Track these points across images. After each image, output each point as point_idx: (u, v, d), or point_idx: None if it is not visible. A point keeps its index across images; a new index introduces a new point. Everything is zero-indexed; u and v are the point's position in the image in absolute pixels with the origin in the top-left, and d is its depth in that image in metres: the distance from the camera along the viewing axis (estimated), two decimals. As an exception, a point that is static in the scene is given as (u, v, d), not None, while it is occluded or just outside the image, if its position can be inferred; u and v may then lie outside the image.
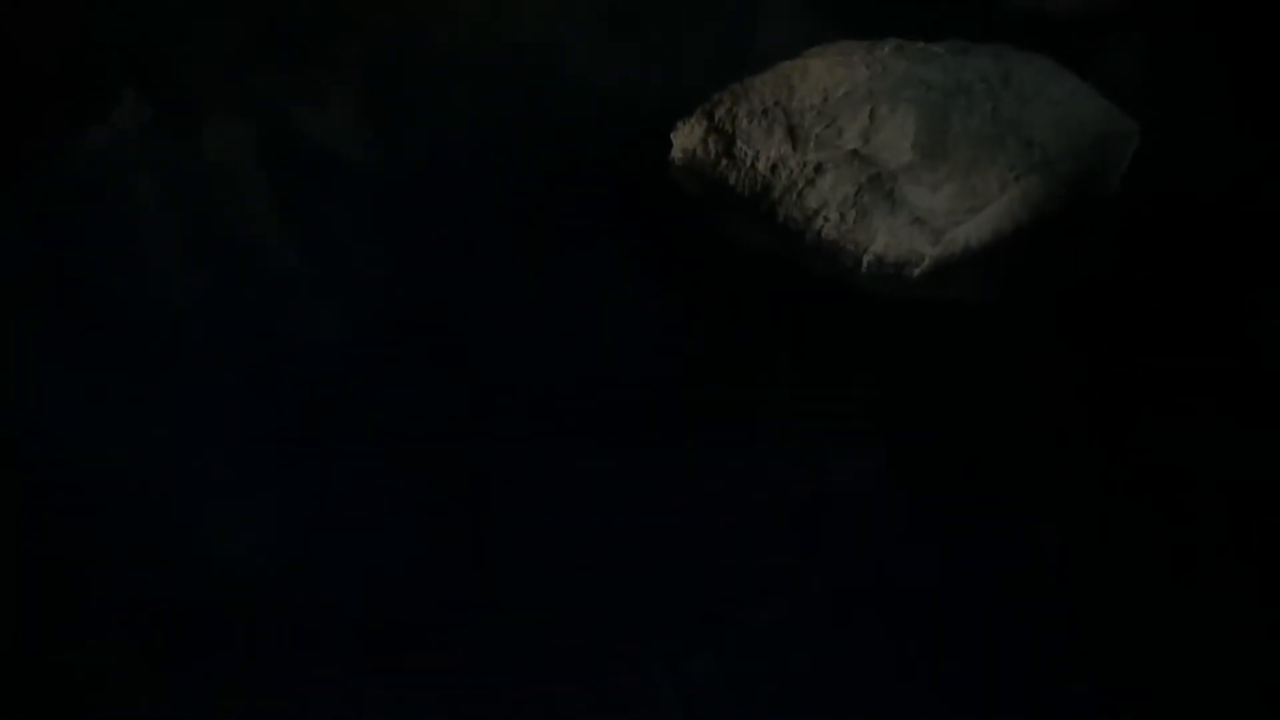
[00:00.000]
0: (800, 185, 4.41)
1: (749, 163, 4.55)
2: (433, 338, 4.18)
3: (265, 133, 5.37)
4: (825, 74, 4.67)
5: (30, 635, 3.35)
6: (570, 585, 3.42)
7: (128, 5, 6.22)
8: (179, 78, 5.71)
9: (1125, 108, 4.69)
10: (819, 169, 4.40)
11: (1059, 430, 3.82)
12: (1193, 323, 4.14)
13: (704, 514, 3.59)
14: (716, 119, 4.71)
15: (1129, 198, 4.53)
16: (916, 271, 4.21)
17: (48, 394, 3.95)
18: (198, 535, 3.53)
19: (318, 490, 3.67)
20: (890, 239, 4.23)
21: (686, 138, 4.76)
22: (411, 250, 4.56)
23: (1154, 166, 4.60)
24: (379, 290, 4.37)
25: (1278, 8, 6.25)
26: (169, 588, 3.40)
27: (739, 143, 4.60)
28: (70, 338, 4.15)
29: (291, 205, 4.89)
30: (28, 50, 5.69)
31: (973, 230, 4.21)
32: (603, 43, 6.07)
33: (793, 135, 4.51)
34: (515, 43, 6.08)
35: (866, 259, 4.24)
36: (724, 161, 4.62)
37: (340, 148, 5.27)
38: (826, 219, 4.33)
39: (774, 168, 4.49)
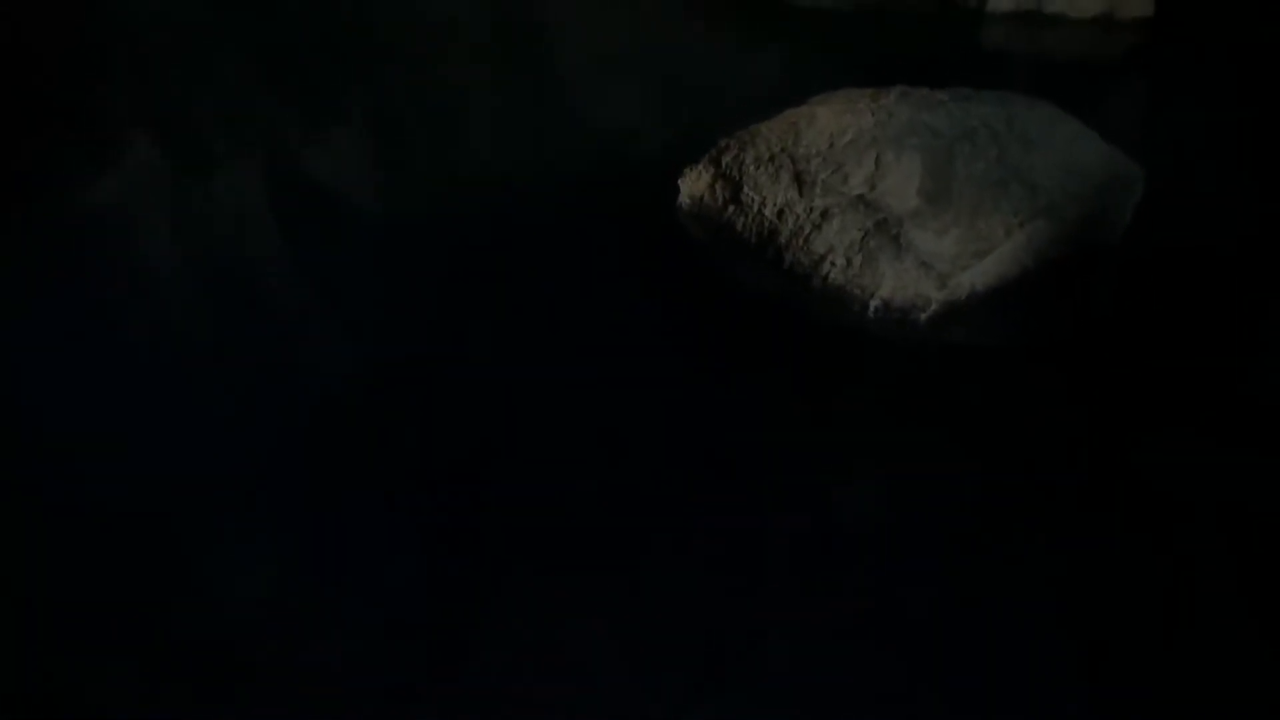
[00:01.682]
0: (807, 230, 4.44)
1: (756, 208, 4.59)
2: (440, 379, 4.19)
3: (275, 176, 5.44)
4: (831, 121, 4.72)
5: (36, 666, 3.35)
6: (576, 629, 3.41)
7: (139, 52, 6.32)
8: (190, 123, 5.79)
9: (1129, 153, 4.74)
10: (825, 214, 4.44)
11: (1064, 471, 3.81)
12: (1195, 366, 4.15)
13: (713, 556, 3.58)
14: (724, 165, 4.75)
15: (1134, 243, 4.57)
16: (923, 316, 4.22)
17: (59, 430, 3.97)
18: (202, 571, 3.53)
19: (323, 527, 3.67)
20: (897, 283, 4.25)
21: (694, 184, 4.81)
22: (419, 293, 4.59)
23: (1158, 212, 4.64)
24: (387, 332, 4.39)
25: (1277, 53, 6.34)
26: (173, 627, 3.40)
27: (746, 189, 4.64)
28: (81, 376, 4.17)
29: (300, 248, 4.92)
30: (40, 96, 5.77)
31: (979, 275, 4.23)
32: (610, 90, 6.15)
33: (799, 181, 4.55)
34: (524, 89, 6.17)
35: (873, 304, 4.26)
36: (731, 207, 4.66)
37: (349, 191, 5.32)
38: (833, 264, 4.35)
39: (781, 213, 4.52)
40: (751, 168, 4.66)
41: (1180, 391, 4.07)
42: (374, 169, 5.53)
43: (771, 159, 4.65)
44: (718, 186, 4.73)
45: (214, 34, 6.46)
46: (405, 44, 6.54)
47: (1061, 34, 7.04)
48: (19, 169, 5.23)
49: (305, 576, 3.54)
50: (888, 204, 4.41)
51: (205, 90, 6.05)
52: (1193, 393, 4.07)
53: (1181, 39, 6.69)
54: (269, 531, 3.65)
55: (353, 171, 5.51)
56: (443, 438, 3.97)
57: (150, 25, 6.51)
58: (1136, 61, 6.65)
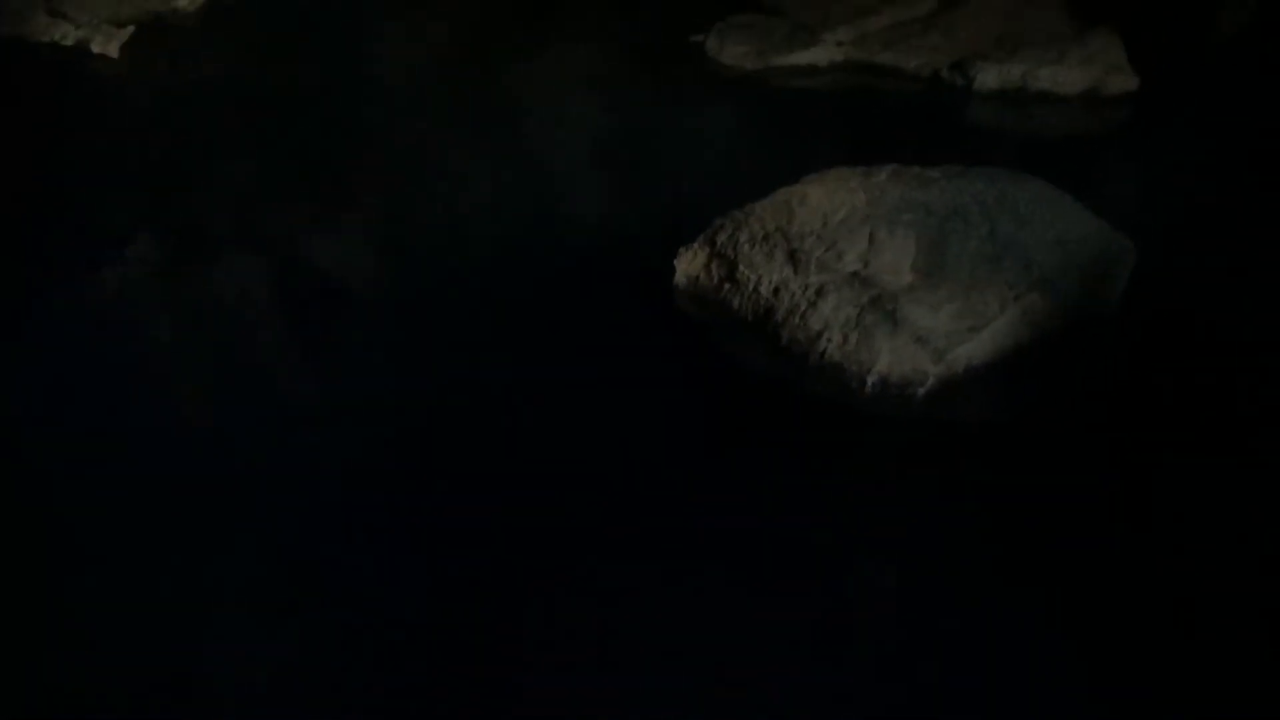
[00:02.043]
0: (803, 308, 4.47)
1: (752, 287, 4.62)
2: (443, 463, 4.19)
3: (277, 265, 5.48)
4: (824, 199, 4.78)
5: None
6: (581, 712, 3.38)
7: (141, 143, 6.40)
8: (193, 214, 5.85)
9: (1119, 226, 4.79)
10: (821, 292, 4.47)
11: (1067, 547, 3.80)
12: (1194, 439, 4.16)
13: (717, 636, 3.56)
14: (719, 245, 4.80)
15: (1128, 315, 4.60)
16: (921, 391, 4.24)
17: (66, 522, 3.95)
18: (204, 666, 3.50)
19: (332, 616, 3.65)
20: (893, 359, 4.27)
21: (690, 264, 4.85)
22: (422, 378, 4.60)
23: (1151, 283, 4.68)
24: (390, 418, 4.40)
25: (1261, 123, 6.44)
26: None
27: (741, 267, 4.67)
28: (87, 469, 4.16)
29: (302, 336, 4.95)
30: (43, 189, 5.83)
31: (975, 349, 4.25)
32: (605, 172, 6.23)
33: (794, 259, 4.59)
34: (521, 173, 6.25)
35: (871, 380, 4.27)
36: (727, 286, 4.70)
37: (350, 279, 5.37)
38: (830, 340, 4.37)
39: (776, 291, 4.55)
40: (746, 246, 4.70)
41: (1181, 463, 4.08)
42: (370, 258, 5.58)
43: (766, 237, 4.70)
44: (713, 266, 4.78)
45: (217, 132, 6.55)
46: (398, 135, 6.63)
47: (1048, 110, 7.17)
48: (29, 262, 5.26)
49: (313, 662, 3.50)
50: (882, 280, 4.45)
51: (208, 183, 6.12)
52: (1193, 465, 4.07)
53: (1166, 112, 6.81)
54: (264, 634, 3.63)
55: (352, 258, 5.56)
56: (443, 516, 3.96)
57: (154, 125, 6.60)
58: (1123, 135, 6.76)
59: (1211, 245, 5.15)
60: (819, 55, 8.03)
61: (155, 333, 4.90)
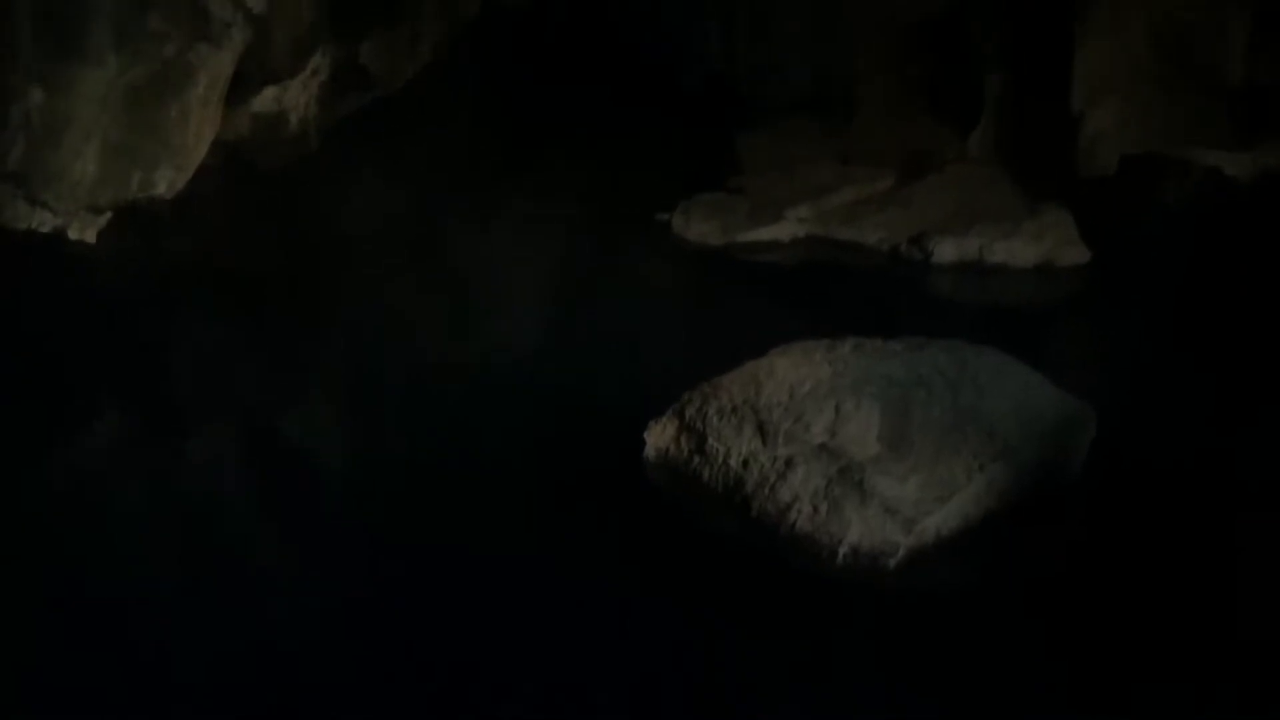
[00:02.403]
0: (772, 479, 4.49)
1: (721, 459, 4.65)
2: (412, 636, 4.12)
3: (247, 437, 5.49)
4: (790, 372, 4.87)
5: None
6: None
7: (113, 323, 6.46)
8: (163, 387, 5.87)
9: (1078, 394, 4.89)
10: (789, 463, 4.51)
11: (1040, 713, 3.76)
12: (1162, 604, 4.16)
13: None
14: (688, 417, 4.85)
15: (1091, 482, 4.66)
16: (892, 562, 4.23)
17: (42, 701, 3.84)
18: None
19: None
20: (864, 529, 4.27)
21: (659, 436, 4.89)
22: (390, 550, 4.55)
23: (1111, 451, 4.76)
24: (359, 590, 4.33)
25: (1209, 293, 6.66)
26: None
27: (710, 440, 4.72)
28: (59, 646, 4.07)
29: (273, 506, 4.91)
30: (15, 370, 5.84)
31: (944, 519, 4.28)
32: (576, 345, 6.33)
33: (762, 431, 4.64)
34: (490, 347, 6.34)
35: (842, 551, 4.27)
36: (697, 458, 4.73)
37: (316, 456, 5.36)
38: (800, 511, 4.38)
39: (745, 463, 4.59)
40: (715, 419, 4.75)
41: (1151, 631, 4.06)
42: (337, 434, 5.60)
43: (734, 410, 4.75)
44: (683, 439, 4.81)
45: (188, 312, 6.65)
46: (366, 311, 6.74)
47: (1004, 281, 7.40)
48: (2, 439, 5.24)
49: None
50: (849, 451, 4.49)
51: (180, 356, 6.17)
52: (1163, 633, 4.05)
53: (1118, 283, 7.03)
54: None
55: (322, 430, 5.58)
56: (415, 690, 3.87)
57: (127, 306, 6.69)
58: (1076, 305, 6.97)
59: (1169, 412, 5.26)
60: (781, 231, 8.29)
61: (124, 506, 4.85)
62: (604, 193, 8.96)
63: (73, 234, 6.30)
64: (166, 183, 6.47)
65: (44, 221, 6.14)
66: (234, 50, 6.39)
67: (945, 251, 7.68)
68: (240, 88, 7.17)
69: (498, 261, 7.61)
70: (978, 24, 9.01)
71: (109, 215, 6.45)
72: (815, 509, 4.36)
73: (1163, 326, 6.27)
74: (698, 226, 8.30)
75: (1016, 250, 7.61)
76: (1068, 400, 4.81)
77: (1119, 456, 4.78)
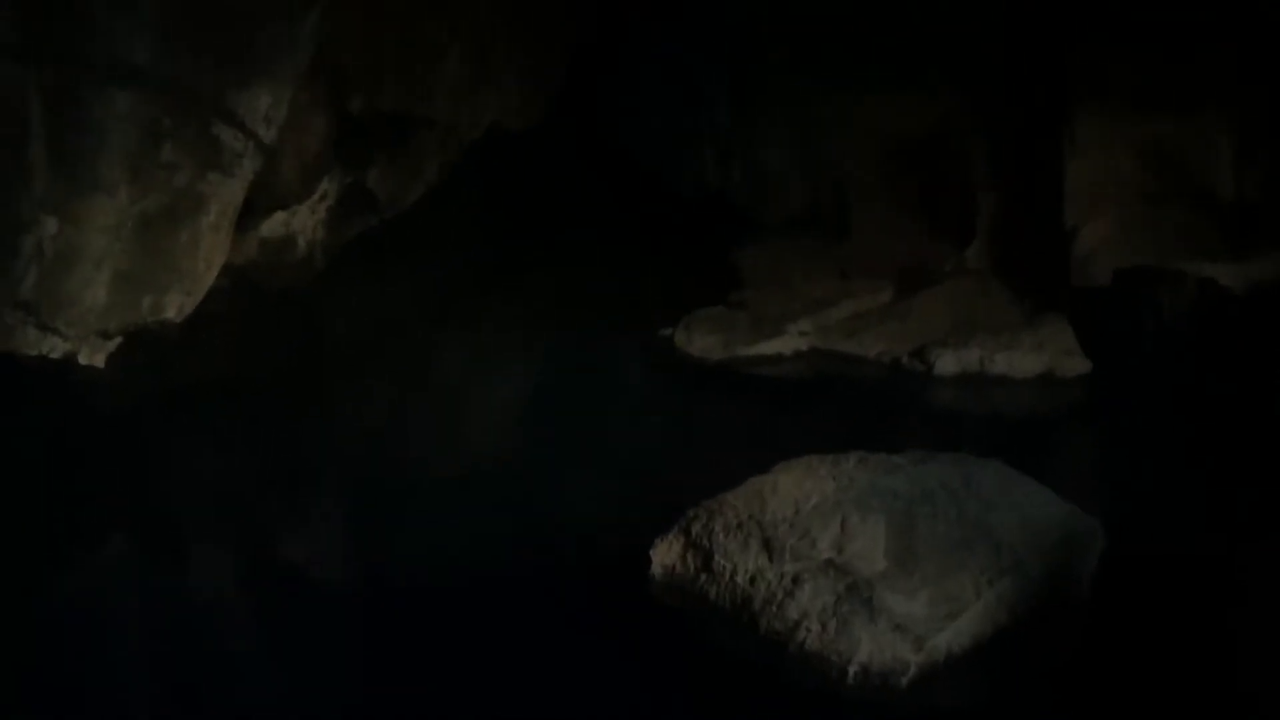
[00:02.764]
0: (779, 597, 4.46)
1: (728, 576, 4.62)
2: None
3: (249, 558, 5.47)
4: (795, 487, 4.87)
5: None
6: None
7: (121, 448, 6.50)
8: (166, 513, 5.87)
9: (1084, 507, 4.88)
10: (797, 580, 4.47)
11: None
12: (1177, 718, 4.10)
13: None
14: (694, 534, 4.83)
15: (1101, 596, 4.62)
16: (904, 681, 4.17)
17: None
18: None
19: None
20: (874, 648, 4.22)
21: (665, 554, 4.86)
22: (391, 669, 4.51)
23: (1120, 565, 4.73)
24: (362, 711, 4.28)
25: (1212, 403, 6.69)
26: None
27: (717, 557, 4.69)
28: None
29: (274, 628, 4.88)
30: (23, 493, 5.86)
31: (954, 636, 4.23)
32: (579, 462, 6.34)
33: (768, 547, 4.62)
34: (493, 462, 6.35)
35: (852, 669, 4.21)
36: (703, 576, 4.70)
37: (321, 571, 5.35)
38: (808, 629, 4.34)
39: (753, 580, 4.56)
40: (721, 536, 4.73)
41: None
42: (341, 553, 5.59)
43: (740, 526, 4.74)
44: (689, 556, 4.79)
45: (195, 436, 6.68)
46: (369, 432, 6.78)
47: (1006, 392, 7.43)
48: (6, 563, 5.23)
49: None
50: (857, 567, 4.47)
51: (183, 478, 6.18)
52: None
53: (1120, 393, 7.06)
54: None
55: (326, 550, 5.56)
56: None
57: (135, 431, 6.73)
58: (1080, 416, 6.99)
59: (1176, 525, 5.25)
60: (783, 345, 8.37)
61: (127, 631, 4.82)
62: (606, 308, 9.08)
63: (83, 359, 6.36)
64: (176, 307, 6.57)
65: (55, 347, 6.21)
66: (245, 178, 6.54)
67: (946, 363, 7.74)
68: (250, 213, 7.32)
69: (500, 377, 7.68)
70: (967, 142, 9.24)
71: (119, 340, 6.53)
72: (824, 627, 4.31)
73: (1168, 437, 6.29)
74: (700, 341, 8.38)
75: (1017, 361, 7.67)
76: (1075, 513, 4.80)
77: (1128, 570, 4.75)
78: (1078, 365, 7.57)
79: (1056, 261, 8.42)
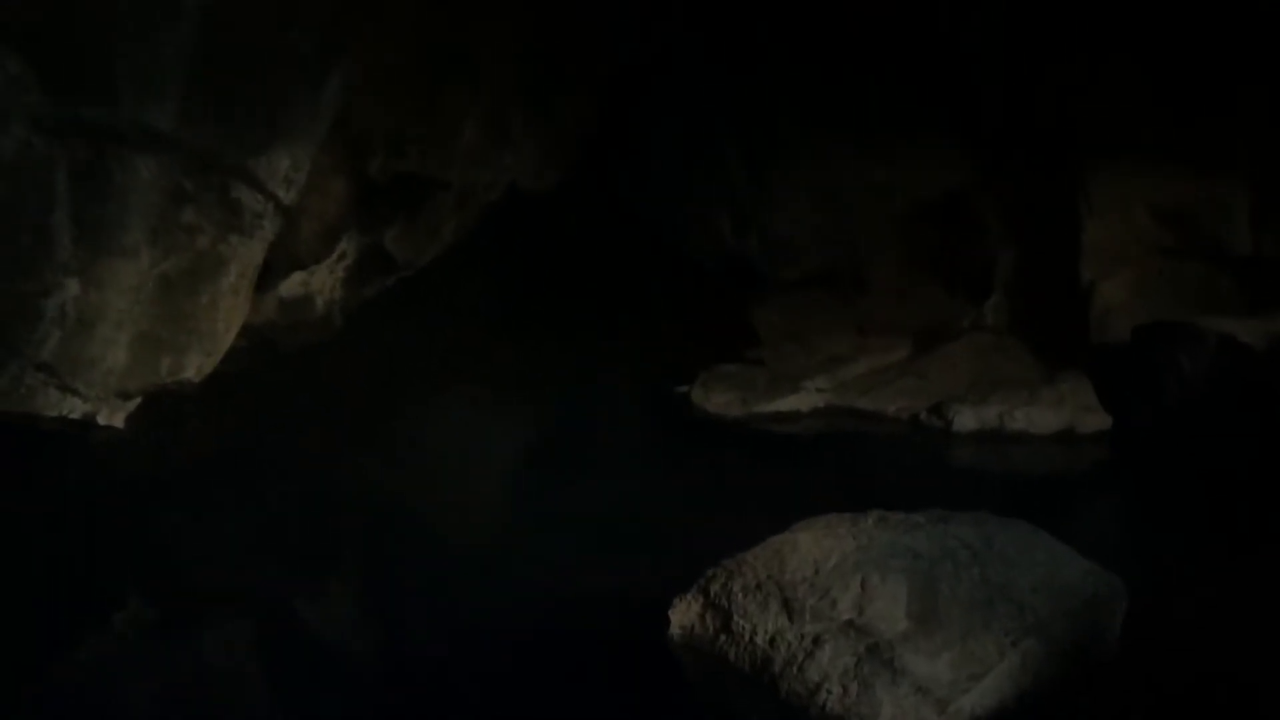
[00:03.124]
0: (800, 658, 4.40)
1: (747, 637, 4.57)
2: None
3: (264, 627, 5.44)
4: (814, 546, 4.82)
5: None
6: None
7: (138, 509, 6.51)
8: (182, 578, 5.86)
9: (1107, 566, 4.82)
10: (817, 641, 4.42)
11: None
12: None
13: None
14: (712, 595, 4.79)
15: (1127, 657, 4.55)
16: (928, 746, 4.11)
17: None
18: None
19: None
20: (896, 710, 4.16)
21: (684, 614, 4.82)
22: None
23: (1145, 625, 4.66)
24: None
25: (1233, 461, 6.63)
26: None
27: (736, 617, 4.64)
28: None
29: (288, 697, 4.84)
30: (39, 555, 5.87)
31: (978, 699, 4.16)
32: (597, 521, 6.30)
33: (788, 608, 4.57)
34: (513, 522, 6.33)
35: (875, 735, 4.15)
36: (723, 637, 4.65)
37: (339, 639, 5.31)
38: (829, 692, 4.28)
39: (772, 641, 4.51)
40: (740, 596, 4.69)
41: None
42: (361, 614, 5.55)
43: (759, 586, 4.69)
44: (708, 616, 4.74)
45: (212, 498, 6.69)
46: (388, 495, 6.77)
47: (1026, 449, 7.38)
48: (14, 626, 5.22)
49: None
50: (878, 628, 4.41)
51: (198, 545, 6.18)
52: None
53: (1141, 450, 7.01)
54: None
55: (341, 618, 5.53)
56: None
57: (152, 492, 6.74)
58: (1100, 473, 6.93)
59: (1201, 585, 5.17)
60: (800, 402, 8.36)
61: (143, 696, 4.80)
62: (623, 366, 9.09)
63: (102, 419, 6.38)
64: (195, 368, 6.59)
65: (74, 408, 6.23)
66: (264, 240, 6.59)
67: (965, 420, 7.71)
68: (269, 274, 7.38)
69: (517, 435, 7.67)
70: (983, 201, 9.28)
71: (138, 400, 6.56)
72: (845, 689, 4.25)
73: (1190, 495, 6.22)
74: (717, 398, 8.38)
75: (1037, 418, 7.63)
76: (1098, 572, 4.74)
77: (1153, 631, 4.68)
78: (1098, 421, 7.53)
79: (1074, 317, 8.42)
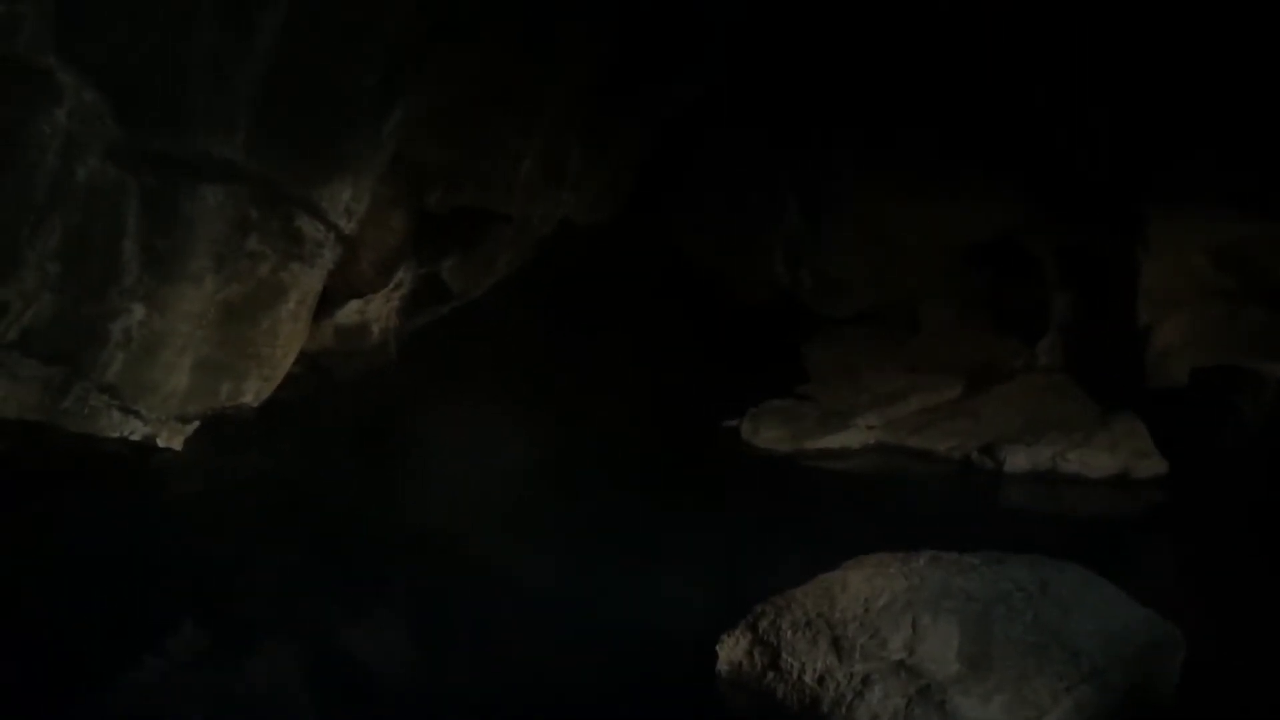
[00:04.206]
0: (849, 698, 4.37)
1: (796, 675, 4.55)
2: None
3: (315, 655, 5.48)
4: (864, 585, 4.80)
5: None
6: None
7: (192, 532, 6.60)
8: (235, 600, 5.93)
9: (1164, 613, 4.74)
10: (866, 681, 4.39)
11: None
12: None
13: None
14: (761, 631, 4.77)
15: (1185, 708, 4.47)
16: (980, 794, 4.06)
17: None
18: None
19: None
20: (947, 754, 4.13)
21: (732, 650, 4.81)
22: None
23: (1204, 675, 4.58)
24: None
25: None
26: None
27: (784, 655, 4.63)
28: None
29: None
30: (97, 576, 5.96)
31: (1031, 745, 4.12)
32: (646, 556, 6.29)
33: (837, 646, 4.55)
34: (561, 556, 6.33)
35: (925, 777, 4.11)
36: (771, 674, 4.63)
37: (385, 667, 5.34)
38: (879, 732, 4.25)
39: (821, 680, 4.48)
40: (789, 633, 4.67)
41: None
42: (411, 645, 5.58)
43: (808, 624, 4.68)
44: (756, 653, 4.73)
45: (265, 522, 6.77)
46: (439, 525, 6.80)
47: (1079, 492, 7.28)
48: (69, 649, 5.31)
49: None
50: (929, 669, 4.38)
51: (251, 574, 6.25)
52: None
53: (1198, 496, 6.89)
54: None
55: (391, 648, 5.56)
56: None
57: (207, 515, 6.83)
58: (1156, 518, 6.82)
59: (1261, 633, 5.07)
60: (851, 439, 8.32)
61: (193, 716, 4.86)
62: (672, 401, 9.10)
63: (161, 442, 6.48)
64: (254, 393, 6.69)
65: (135, 430, 6.34)
66: (324, 268, 6.70)
67: (1017, 461, 7.63)
68: (327, 301, 7.49)
69: (567, 468, 7.69)
70: (1038, 242, 9.22)
71: (197, 424, 6.67)
72: (896, 731, 4.22)
73: (1248, 541, 6.12)
74: (766, 433, 8.36)
75: (1091, 460, 7.54)
76: (1154, 619, 4.67)
77: (1211, 679, 4.60)
78: (1153, 466, 7.43)
79: (1130, 360, 8.32)
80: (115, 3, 5.35)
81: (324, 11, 6.00)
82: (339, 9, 6.07)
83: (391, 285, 8.44)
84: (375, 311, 8.63)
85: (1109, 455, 7.54)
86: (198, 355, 6.40)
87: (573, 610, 5.64)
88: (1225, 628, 5.08)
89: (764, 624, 4.80)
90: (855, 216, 10.03)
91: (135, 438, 6.42)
